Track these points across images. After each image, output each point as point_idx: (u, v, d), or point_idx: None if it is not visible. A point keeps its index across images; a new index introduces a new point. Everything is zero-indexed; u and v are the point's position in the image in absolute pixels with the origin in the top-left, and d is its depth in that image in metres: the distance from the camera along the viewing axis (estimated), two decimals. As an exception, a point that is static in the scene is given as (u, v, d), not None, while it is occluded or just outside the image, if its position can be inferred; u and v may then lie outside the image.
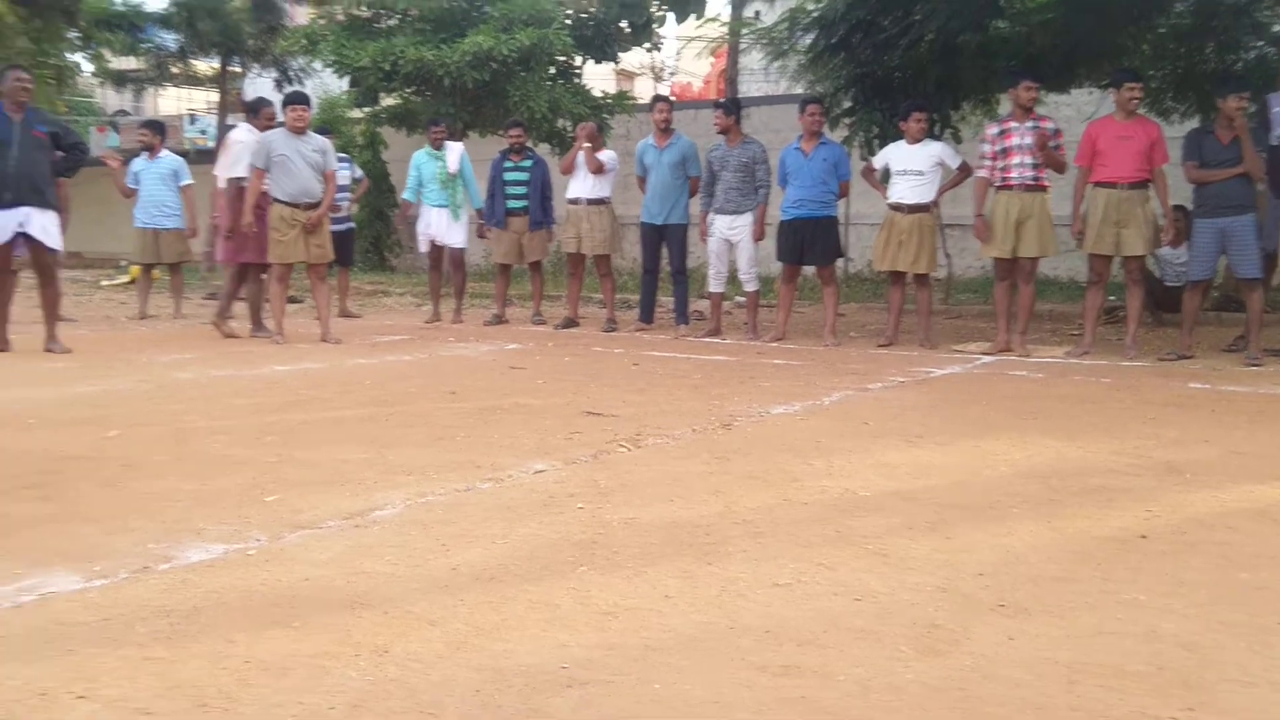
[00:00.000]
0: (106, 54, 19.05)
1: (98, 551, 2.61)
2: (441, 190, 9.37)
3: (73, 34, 19.28)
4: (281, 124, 7.77)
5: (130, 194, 9.76)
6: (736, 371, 6.39)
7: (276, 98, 17.35)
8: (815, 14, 9.15)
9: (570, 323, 9.16)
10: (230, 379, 5.86)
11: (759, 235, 8.20)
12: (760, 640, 2.08)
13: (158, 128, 10.19)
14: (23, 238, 6.66)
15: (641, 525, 2.89)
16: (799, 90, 14.89)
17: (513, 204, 9.21)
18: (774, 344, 7.94)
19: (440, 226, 9.40)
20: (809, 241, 7.92)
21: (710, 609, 2.25)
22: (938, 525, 2.92)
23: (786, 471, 3.56)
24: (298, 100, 7.72)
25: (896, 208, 7.58)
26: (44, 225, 6.69)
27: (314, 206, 7.59)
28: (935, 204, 7.64)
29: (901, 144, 7.71)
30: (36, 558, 2.54)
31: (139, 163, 9.79)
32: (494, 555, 2.61)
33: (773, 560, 2.60)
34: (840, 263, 10.03)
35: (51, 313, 7.00)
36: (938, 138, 8.37)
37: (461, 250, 9.55)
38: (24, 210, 6.58)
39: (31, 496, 3.15)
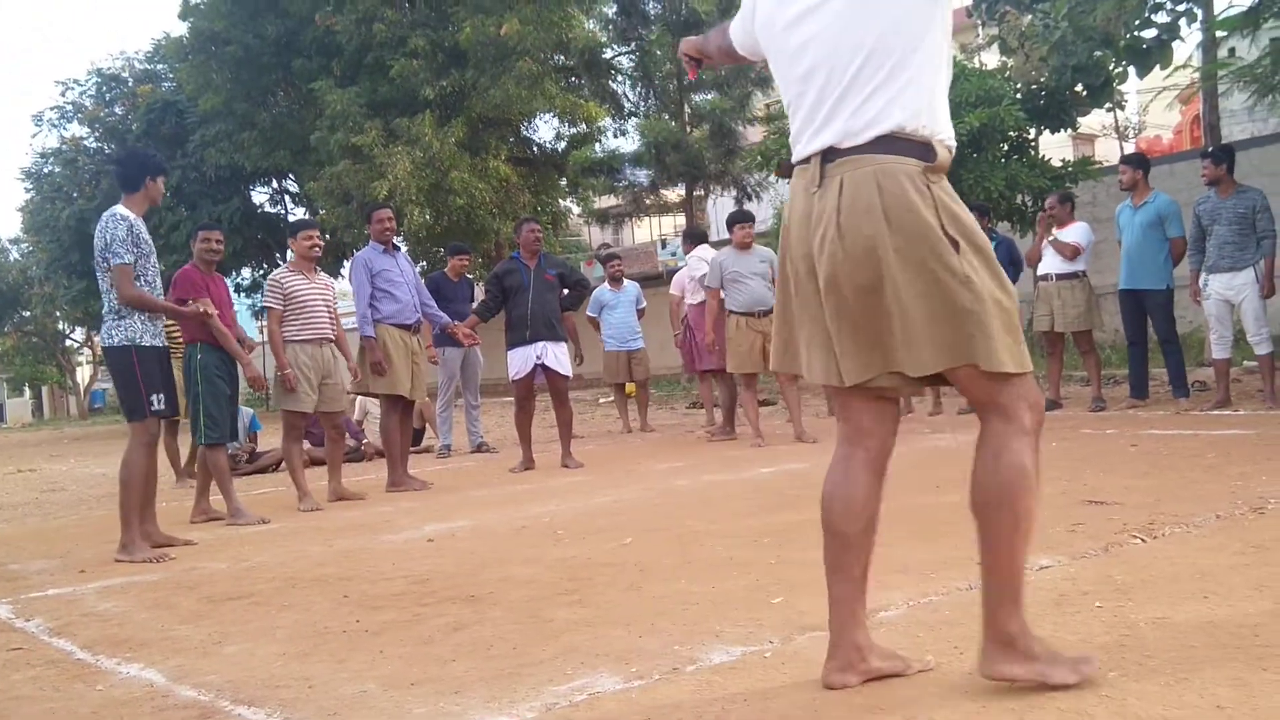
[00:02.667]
0: (591, 196, 21.41)
1: (631, 653, 2.83)
2: None
3: (562, 183, 21.97)
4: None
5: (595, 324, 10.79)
6: (1259, 446, 5.69)
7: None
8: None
9: (1053, 404, 8.69)
10: (722, 483, 6.20)
11: (1269, 290, 7.33)
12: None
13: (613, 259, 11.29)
14: (540, 368, 7.59)
15: (1174, 625, 2.64)
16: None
17: None
18: (1301, 412, 7.00)
19: None
20: (1332, 291, 6.97)
21: (1275, 723, 2.00)
22: None
23: None
24: (743, 219, 8.23)
25: None
26: (557, 355, 7.62)
27: (767, 314, 7.95)
28: None
29: None
30: (581, 660, 2.81)
31: (605, 293, 10.77)
32: (1011, 659, 2.50)
33: (1345, 667, 2.26)
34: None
35: (566, 432, 7.86)
36: None
37: None
38: (541, 345, 7.54)
39: (568, 602, 3.50)
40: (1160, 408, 8.06)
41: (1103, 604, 2.88)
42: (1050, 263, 8.56)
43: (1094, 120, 18.47)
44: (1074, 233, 8.58)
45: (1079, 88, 12.66)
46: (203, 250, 6.36)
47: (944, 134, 2.26)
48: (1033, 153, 13.57)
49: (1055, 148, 16.34)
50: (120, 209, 5.27)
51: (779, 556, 3.92)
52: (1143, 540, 3.65)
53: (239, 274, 26.45)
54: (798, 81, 2.34)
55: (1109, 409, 8.26)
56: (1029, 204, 12.69)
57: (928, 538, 4.02)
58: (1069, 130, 14.22)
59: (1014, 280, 9.69)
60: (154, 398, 5.21)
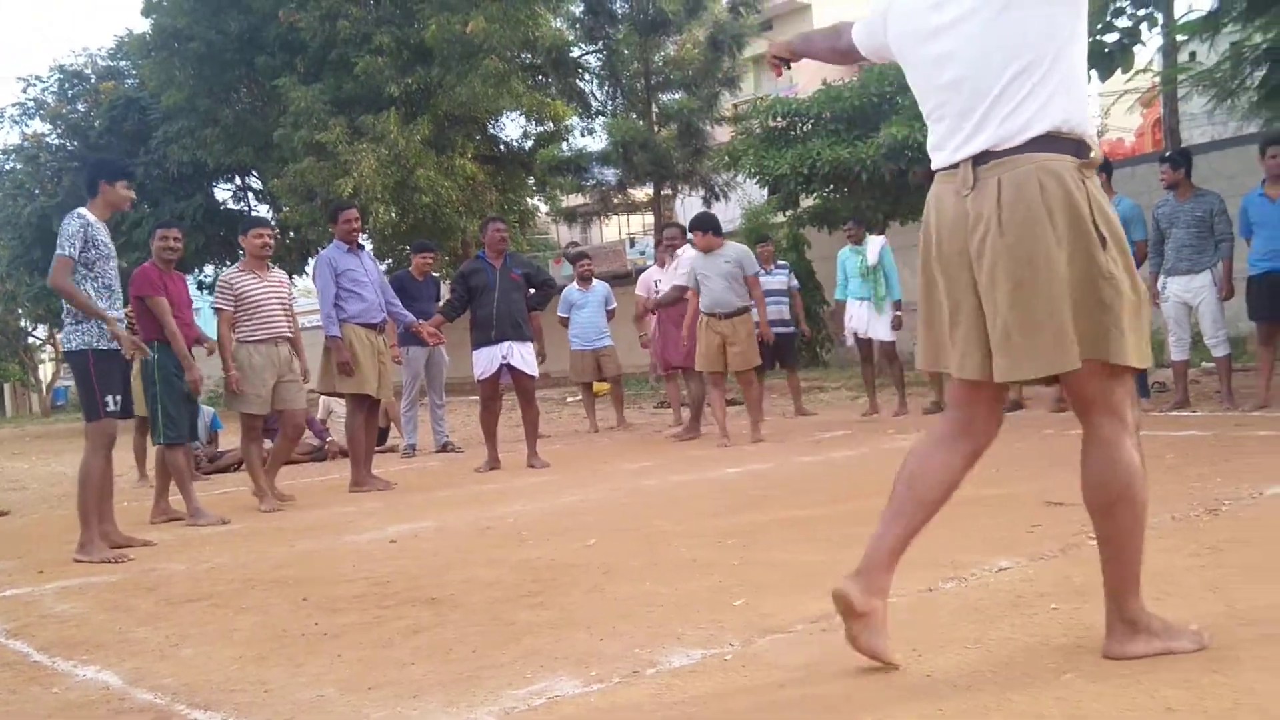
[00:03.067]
0: (558, 195, 21.36)
1: (591, 656, 2.83)
2: (863, 283, 9.43)
3: (530, 181, 21.92)
4: None
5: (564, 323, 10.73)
6: (1215, 447, 5.77)
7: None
8: (1265, 45, 8.30)
9: (1015, 405, 8.76)
10: (689, 484, 6.21)
11: (1227, 293, 7.44)
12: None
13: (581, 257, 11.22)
14: (506, 367, 7.56)
15: (1129, 627, 2.67)
16: (1251, 130, 13.48)
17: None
18: (1256, 413, 7.10)
19: (862, 319, 9.46)
20: (1287, 295, 7.08)
21: (1226, 724, 2.02)
22: None
23: None
24: (699, 226, 8.30)
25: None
26: (523, 355, 7.60)
27: (729, 316, 7.95)
28: None
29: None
30: (541, 663, 2.80)
31: (573, 292, 10.71)
32: (969, 661, 2.52)
33: (1294, 667, 2.29)
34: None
35: (532, 432, 7.85)
36: None
37: (891, 343, 9.51)
38: (507, 344, 7.52)
39: (531, 604, 3.50)
40: (1120, 408, 8.15)
41: (1059, 606, 2.91)
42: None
43: (1057, 123, 18.65)
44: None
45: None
46: (161, 249, 6.29)
47: (1091, 133, 2.37)
48: (997, 155, 13.71)
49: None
50: (82, 209, 5.28)
51: (743, 558, 3.93)
52: (1100, 541, 3.68)
53: (201, 271, 26.17)
54: (940, 90, 2.44)
55: (1069, 409, 8.33)
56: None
57: (889, 538, 4.04)
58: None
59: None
60: (109, 399, 5.18)
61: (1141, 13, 9.17)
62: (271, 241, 6.93)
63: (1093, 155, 2.34)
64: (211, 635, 3.40)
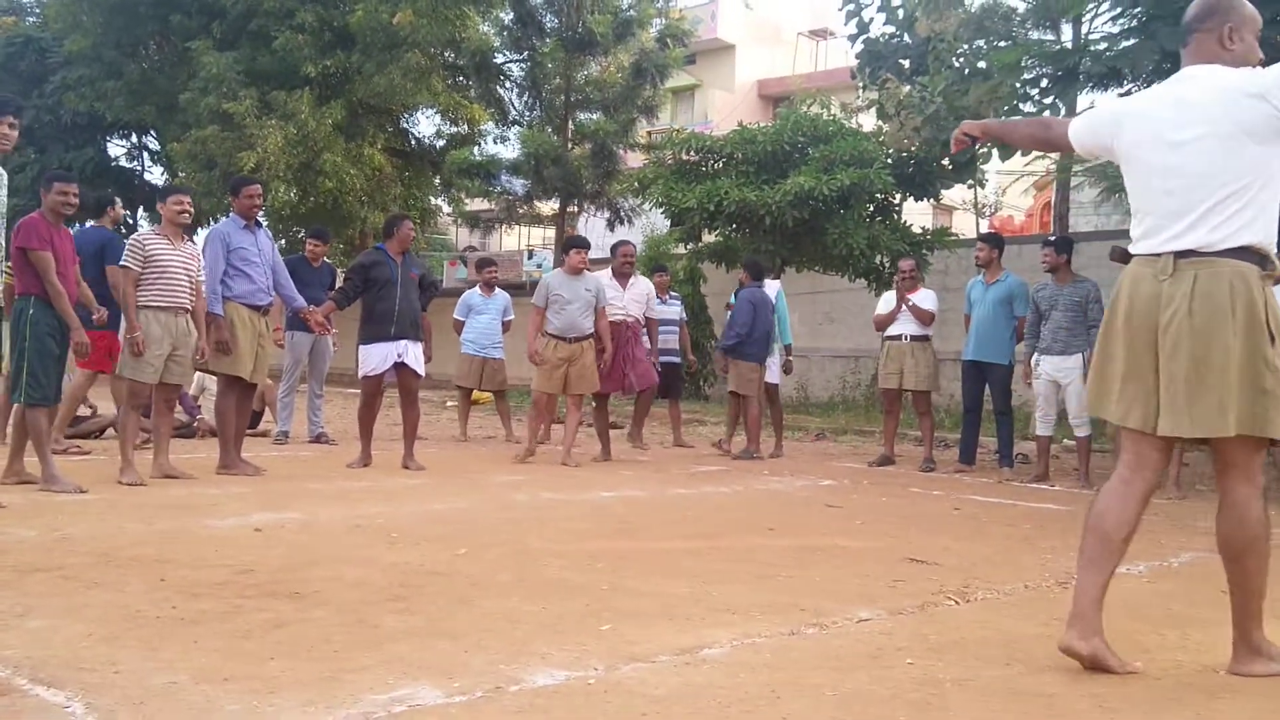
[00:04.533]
0: (463, 198, 21.21)
1: (455, 667, 2.82)
2: None
3: (436, 181, 21.70)
4: None
5: (459, 326, 10.61)
6: (1070, 523, 6.02)
7: (608, 236, 18.27)
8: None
9: (886, 460, 9.03)
10: (562, 502, 6.22)
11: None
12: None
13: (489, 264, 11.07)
14: (395, 365, 7.46)
15: (978, 688, 2.79)
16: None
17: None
18: (1109, 494, 7.45)
19: None
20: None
21: (1057, 790, 2.13)
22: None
23: (1136, 641, 3.32)
24: (580, 245, 8.33)
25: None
26: (416, 355, 7.53)
27: (580, 340, 8.16)
28: None
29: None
30: (404, 670, 2.78)
31: (475, 297, 10.62)
32: (824, 707, 2.60)
33: (1124, 741, 2.43)
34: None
35: (411, 433, 7.75)
36: None
37: (775, 385, 9.73)
38: (403, 343, 7.44)
39: (397, 609, 3.46)
40: (985, 475, 8.46)
41: (914, 661, 3.02)
42: (905, 325, 8.95)
43: (955, 194, 19.34)
44: (927, 299, 8.98)
45: (946, 161, 13.30)
46: (58, 202, 6.03)
47: (1274, 252, 2.90)
48: (895, 217, 14.16)
49: (917, 215, 17.06)
50: None
51: (612, 583, 3.96)
52: (956, 602, 3.83)
53: (85, 226, 25.14)
54: (1161, 194, 2.97)
55: (937, 470, 8.63)
56: (886, 264, 13.20)
57: (757, 579, 4.12)
58: (931, 200, 14.91)
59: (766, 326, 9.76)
60: None
61: (1047, 101, 9.60)
62: (191, 210, 6.72)
63: (1275, 270, 2.87)
64: (60, 609, 3.27)
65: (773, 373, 9.62)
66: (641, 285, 9.26)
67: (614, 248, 9.45)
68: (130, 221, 24.75)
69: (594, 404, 8.93)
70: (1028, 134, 3.78)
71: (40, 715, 2.35)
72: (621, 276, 9.13)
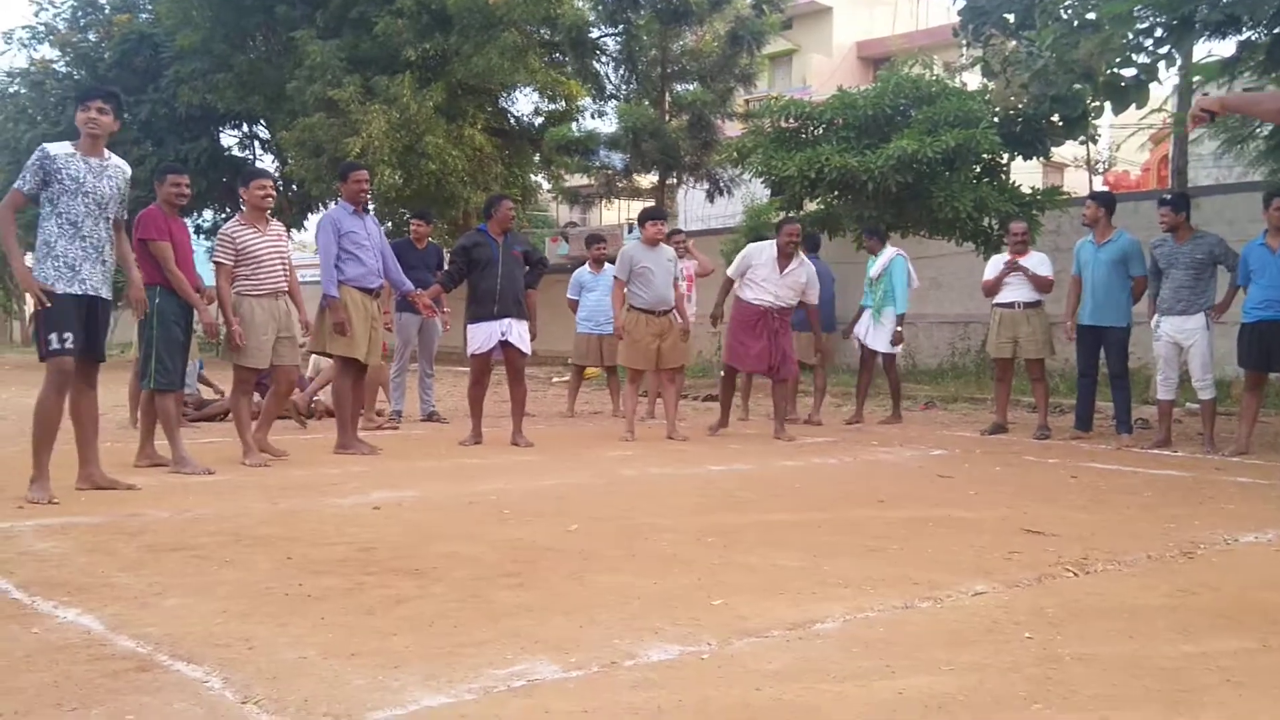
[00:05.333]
0: (563, 174, 21.33)
1: (570, 642, 2.87)
2: (869, 292, 9.62)
3: (536, 158, 21.87)
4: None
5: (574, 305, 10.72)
6: (1193, 489, 5.85)
7: (708, 208, 18.22)
8: (1282, 95, 8.35)
9: (999, 428, 8.85)
10: (670, 477, 6.25)
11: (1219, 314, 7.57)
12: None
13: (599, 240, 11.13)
14: (500, 344, 7.59)
15: (1099, 662, 2.73)
16: (1256, 178, 13.56)
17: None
18: (1235, 459, 7.19)
19: (863, 327, 9.63)
20: (1278, 346, 7.16)
21: (1186, 768, 2.08)
22: None
23: (1265, 613, 3.20)
24: (656, 216, 8.29)
25: None
26: (520, 333, 7.63)
27: (668, 313, 8.16)
28: None
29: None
30: (521, 645, 2.84)
31: (585, 274, 10.72)
32: (940, 682, 2.57)
33: (1255, 716, 2.35)
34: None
35: (519, 410, 7.87)
36: None
37: (890, 355, 9.69)
38: (507, 321, 7.55)
39: (511, 584, 3.53)
40: (1103, 441, 8.23)
41: (1033, 635, 2.97)
42: (1016, 291, 8.73)
43: (1066, 151, 18.70)
44: (1041, 264, 8.74)
45: (1055, 118, 12.86)
46: (171, 194, 6.28)
47: None
48: (1003, 177, 13.76)
49: (1025, 174, 16.56)
50: (48, 143, 5.19)
51: (722, 557, 3.97)
52: (1075, 574, 3.75)
53: (200, 215, 26.05)
54: None
55: (1053, 438, 8.42)
56: (994, 227, 12.86)
57: (868, 552, 4.09)
58: (1041, 158, 14.44)
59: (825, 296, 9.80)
60: (52, 337, 5.01)
61: (1161, 51, 9.22)
62: (273, 193, 6.90)
63: None
64: (194, 587, 3.43)
65: (882, 341, 9.52)
66: (803, 272, 8.38)
67: (779, 225, 8.77)
68: (243, 206, 25.50)
69: (721, 374, 8.93)
70: (1272, 107, 3.50)
71: (181, 690, 2.47)
72: (785, 257, 8.33)
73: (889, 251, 9.75)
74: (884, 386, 10.69)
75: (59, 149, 5.12)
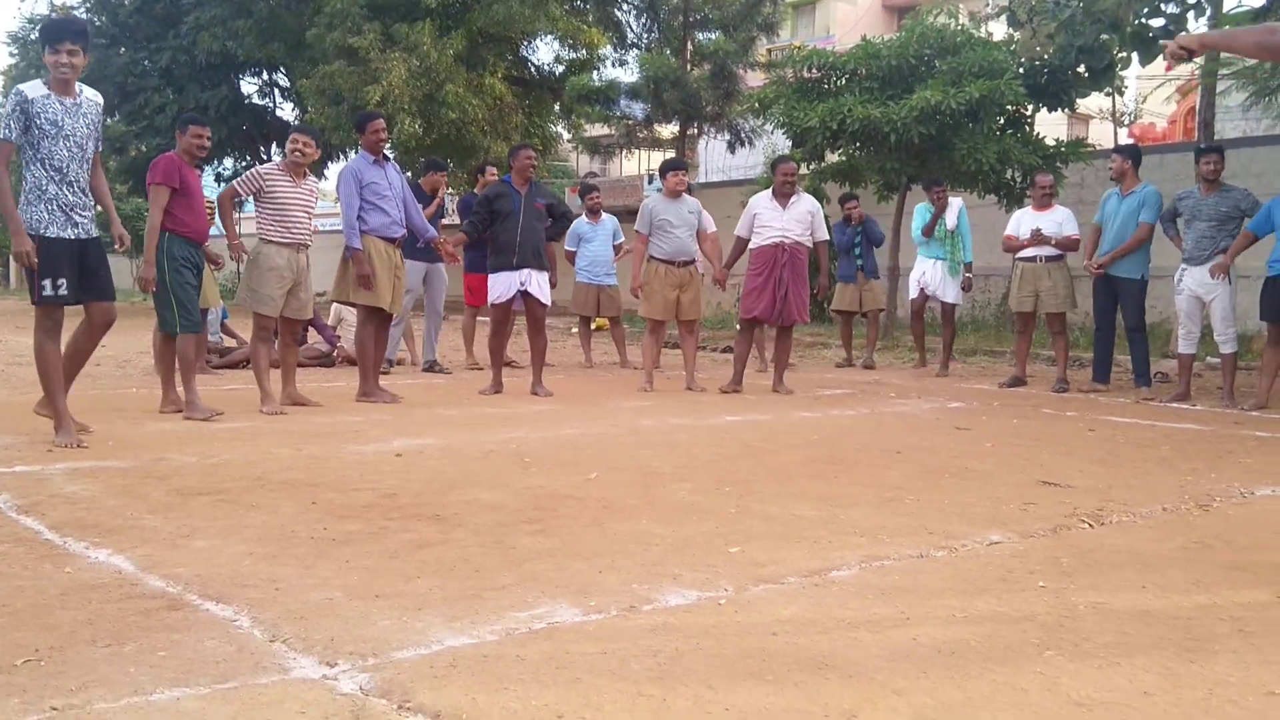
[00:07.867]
0: (583, 124, 21.24)
1: (590, 587, 2.92)
2: (940, 245, 9.67)
3: (556, 108, 21.77)
4: None
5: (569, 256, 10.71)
6: (1211, 443, 5.85)
7: (729, 159, 18.14)
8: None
9: (1017, 381, 8.85)
10: (688, 427, 6.29)
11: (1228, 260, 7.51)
12: (1256, 756, 1.93)
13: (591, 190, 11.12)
14: (520, 294, 7.62)
15: (1112, 611, 2.76)
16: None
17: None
18: (1255, 413, 7.17)
19: (935, 279, 9.71)
20: (1303, 300, 7.13)
21: (1196, 712, 2.12)
22: None
23: (1279, 565, 3.23)
24: (676, 167, 8.26)
25: None
26: (540, 283, 7.65)
27: (688, 264, 8.12)
28: None
29: None
30: (542, 589, 2.90)
31: (582, 225, 10.65)
32: (954, 629, 2.61)
33: (1267, 665, 2.38)
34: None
35: (539, 359, 7.92)
36: None
37: (954, 305, 9.82)
38: (525, 271, 7.57)
39: (532, 531, 3.59)
40: (1121, 394, 8.22)
41: (1046, 584, 3.00)
42: (1039, 245, 8.70)
43: (1091, 103, 18.48)
44: (1067, 220, 8.69)
45: (1081, 69, 12.68)
46: (193, 145, 6.31)
47: None
48: (1028, 129, 13.62)
49: (1050, 126, 16.37)
50: (22, 85, 5.09)
51: (738, 506, 4.02)
52: (1091, 525, 3.78)
53: (221, 163, 26.09)
54: None
55: (1071, 391, 8.41)
56: (1017, 179, 12.76)
57: (885, 502, 4.13)
58: (1066, 110, 14.27)
59: (869, 256, 10.03)
60: (46, 283, 5.01)
61: (1190, 0, 9.07)
62: (306, 150, 6.82)
63: None
64: (222, 529, 3.50)
65: (954, 292, 9.64)
66: (805, 204, 8.20)
67: (773, 165, 8.69)
68: (265, 157, 25.54)
69: (738, 328, 8.68)
70: (1254, 41, 3.44)
71: (211, 629, 2.54)
72: (782, 196, 8.17)
73: (957, 201, 9.81)
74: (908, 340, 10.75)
75: (34, 90, 5.01)
